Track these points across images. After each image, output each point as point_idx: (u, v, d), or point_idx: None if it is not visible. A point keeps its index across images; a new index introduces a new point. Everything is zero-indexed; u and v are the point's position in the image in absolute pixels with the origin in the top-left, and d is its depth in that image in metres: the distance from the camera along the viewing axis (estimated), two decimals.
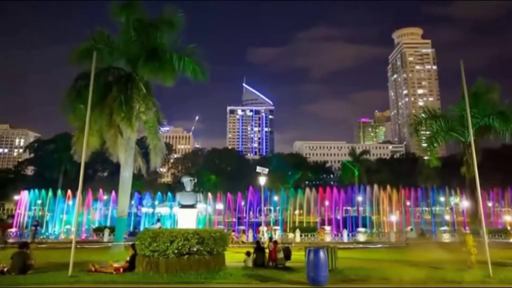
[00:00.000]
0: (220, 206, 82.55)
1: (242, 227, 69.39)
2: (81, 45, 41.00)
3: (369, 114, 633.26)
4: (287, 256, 30.29)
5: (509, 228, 65.75)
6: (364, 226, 68.90)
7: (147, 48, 41.20)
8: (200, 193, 45.21)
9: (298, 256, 30.90)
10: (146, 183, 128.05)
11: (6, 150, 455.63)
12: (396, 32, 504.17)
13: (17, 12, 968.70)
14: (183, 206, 29.30)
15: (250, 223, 75.17)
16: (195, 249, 24.23)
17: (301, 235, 61.40)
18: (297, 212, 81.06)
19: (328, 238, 61.16)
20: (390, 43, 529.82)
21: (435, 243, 52.55)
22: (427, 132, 48.02)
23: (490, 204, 77.92)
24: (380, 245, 53.93)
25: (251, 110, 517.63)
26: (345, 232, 62.34)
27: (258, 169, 67.78)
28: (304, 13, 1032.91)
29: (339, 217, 73.56)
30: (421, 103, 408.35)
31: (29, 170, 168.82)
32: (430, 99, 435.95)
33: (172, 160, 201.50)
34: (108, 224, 66.71)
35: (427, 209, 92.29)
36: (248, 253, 29.69)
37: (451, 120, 45.24)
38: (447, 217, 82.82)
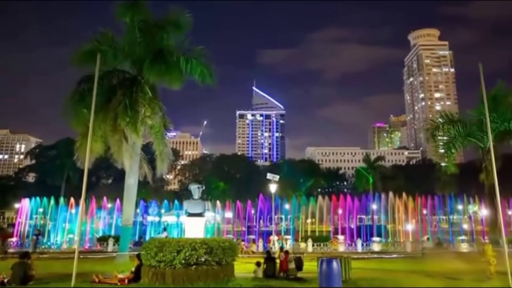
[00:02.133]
0: (229, 214, 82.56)
1: (252, 237, 69.21)
2: (84, 47, 41.02)
3: (384, 119, 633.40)
4: (299, 266, 30.25)
5: None
6: (379, 235, 68.53)
7: (153, 50, 41.27)
8: (208, 201, 45.37)
9: (310, 267, 30.85)
10: (152, 190, 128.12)
11: (6, 156, 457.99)
12: (412, 34, 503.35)
13: (17, 12, 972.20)
14: (190, 215, 29.37)
15: (260, 232, 74.82)
16: (203, 259, 24.26)
17: (313, 245, 61.24)
18: (309, 220, 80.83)
19: (341, 248, 61.08)
20: (405, 45, 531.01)
21: (452, 253, 52.35)
22: (445, 138, 47.95)
23: (510, 212, 77.41)
24: (395, 255, 53.73)
25: (261, 115, 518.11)
26: (359, 242, 62.10)
27: (269, 176, 67.62)
28: (315, 14, 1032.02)
29: (353, 226, 73.25)
30: (438, 107, 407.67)
31: (30, 177, 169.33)
32: (448, 103, 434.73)
33: (179, 167, 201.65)
34: (113, 233, 66.59)
35: (444, 217, 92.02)
36: (258, 263, 29.69)
37: (469, 125, 45.21)
38: (465, 226, 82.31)
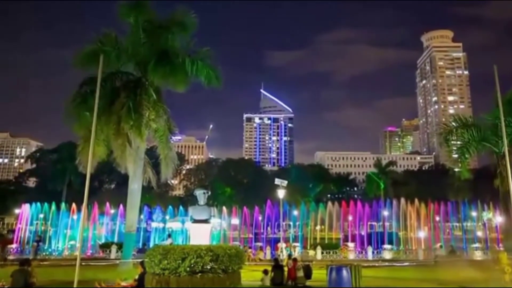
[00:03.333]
0: (235, 221, 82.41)
1: (259, 244, 69.21)
2: (86, 48, 41.16)
3: (395, 123, 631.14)
4: (308, 274, 30.27)
5: None
6: (390, 242, 68.44)
7: (158, 51, 41.27)
8: (214, 207, 45.46)
9: (319, 275, 30.86)
10: (156, 196, 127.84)
11: (6, 160, 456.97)
12: (425, 35, 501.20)
13: (18, 13, 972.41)
14: (195, 221, 29.35)
15: (267, 239, 74.87)
16: (208, 267, 24.17)
17: (322, 252, 61.24)
18: (318, 227, 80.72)
19: (351, 256, 61.05)
20: (418, 46, 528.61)
21: (466, 261, 52.25)
22: (458, 142, 47.75)
23: None
24: (407, 263, 53.78)
25: (269, 118, 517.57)
26: (369, 249, 62.08)
27: (277, 181, 67.62)
28: (324, 14, 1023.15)
29: (363, 233, 73.33)
30: (451, 111, 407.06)
31: (31, 182, 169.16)
32: (461, 106, 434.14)
33: (184, 172, 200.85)
34: (116, 240, 66.63)
35: (457, 224, 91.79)
36: (265, 271, 29.72)
37: (483, 129, 44.98)
38: (479, 233, 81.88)
